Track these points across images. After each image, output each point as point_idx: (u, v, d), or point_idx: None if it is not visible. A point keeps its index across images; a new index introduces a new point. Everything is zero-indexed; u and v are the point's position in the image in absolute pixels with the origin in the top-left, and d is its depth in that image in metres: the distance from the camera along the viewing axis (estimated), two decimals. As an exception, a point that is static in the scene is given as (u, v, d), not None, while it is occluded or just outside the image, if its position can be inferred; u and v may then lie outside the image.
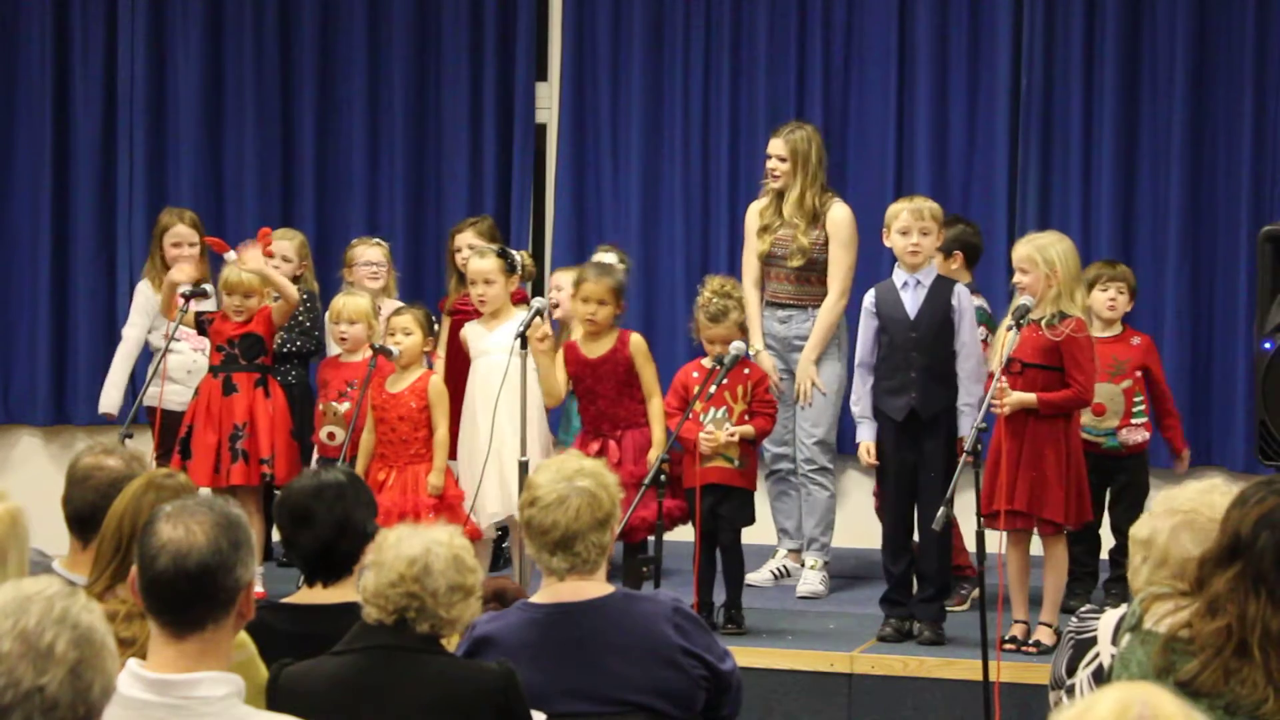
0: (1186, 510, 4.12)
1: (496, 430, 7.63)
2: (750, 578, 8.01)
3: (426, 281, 9.59)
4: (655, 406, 7.75)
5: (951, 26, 9.28)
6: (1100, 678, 4.14)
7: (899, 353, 7.50)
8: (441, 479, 7.83)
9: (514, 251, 8.08)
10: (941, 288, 7.52)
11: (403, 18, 9.85)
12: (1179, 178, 9.00)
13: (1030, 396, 7.16)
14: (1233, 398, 8.94)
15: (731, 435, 7.51)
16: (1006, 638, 7.26)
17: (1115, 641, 4.03)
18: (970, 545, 7.32)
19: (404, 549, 4.28)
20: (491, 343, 7.86)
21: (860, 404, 7.59)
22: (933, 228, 7.50)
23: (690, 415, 7.42)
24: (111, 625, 3.99)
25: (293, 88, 9.99)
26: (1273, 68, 8.92)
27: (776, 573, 8.48)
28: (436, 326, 8.42)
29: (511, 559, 8.27)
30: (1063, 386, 7.21)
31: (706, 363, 7.54)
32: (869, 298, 7.63)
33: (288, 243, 8.75)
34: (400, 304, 8.42)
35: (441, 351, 8.46)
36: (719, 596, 7.66)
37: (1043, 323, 7.20)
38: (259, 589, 7.64)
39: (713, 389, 7.42)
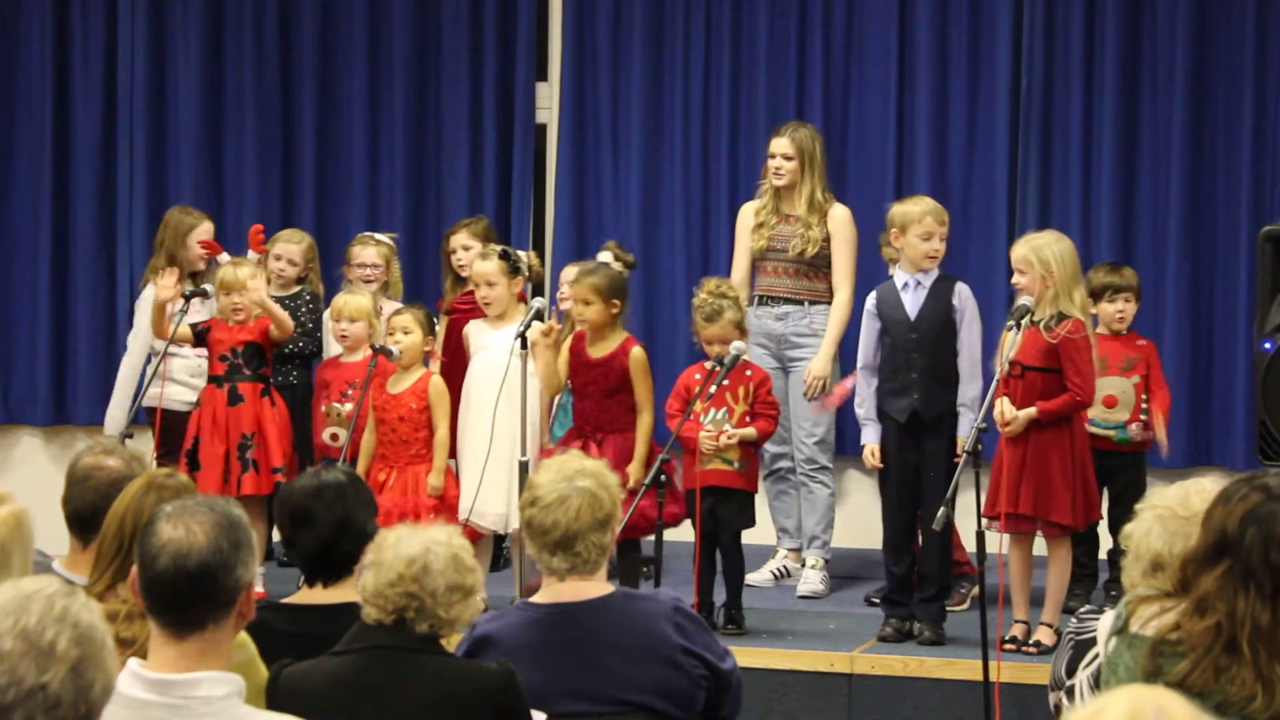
0: (1161, 507, 4.16)
1: (496, 435, 7.63)
2: (750, 578, 8.01)
3: (426, 281, 9.58)
4: (644, 422, 7.69)
5: (951, 26, 9.28)
6: (1100, 679, 4.14)
7: (900, 354, 7.50)
8: (441, 479, 7.84)
9: (519, 252, 8.08)
10: (943, 288, 7.52)
11: (403, 18, 9.85)
12: (1179, 178, 9.00)
13: (1030, 411, 7.16)
14: (1233, 398, 8.93)
15: (730, 437, 7.51)
16: (1007, 638, 7.26)
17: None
18: (969, 545, 7.33)
19: (403, 549, 4.28)
20: (493, 340, 7.87)
21: (865, 406, 7.59)
22: (946, 231, 7.54)
23: (690, 416, 7.42)
24: (112, 625, 4.01)
25: (293, 88, 9.98)
26: (1273, 68, 8.92)
27: (776, 573, 8.48)
28: (436, 326, 8.42)
29: (511, 559, 8.28)
30: (1063, 388, 7.20)
31: (709, 365, 7.53)
32: (871, 300, 7.63)
33: (295, 245, 8.74)
34: (400, 304, 8.42)
35: (439, 351, 8.46)
36: (719, 596, 7.66)
37: (1041, 324, 7.20)
38: (259, 589, 7.64)
39: (713, 389, 7.42)
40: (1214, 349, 9.04)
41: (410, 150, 9.87)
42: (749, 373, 7.66)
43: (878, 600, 7.87)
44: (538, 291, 8.95)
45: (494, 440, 7.66)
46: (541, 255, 9.52)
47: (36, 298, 10.09)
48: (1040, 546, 7.41)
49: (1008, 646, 7.20)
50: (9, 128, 10.12)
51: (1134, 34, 9.07)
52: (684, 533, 7.77)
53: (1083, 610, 4.52)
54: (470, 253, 8.43)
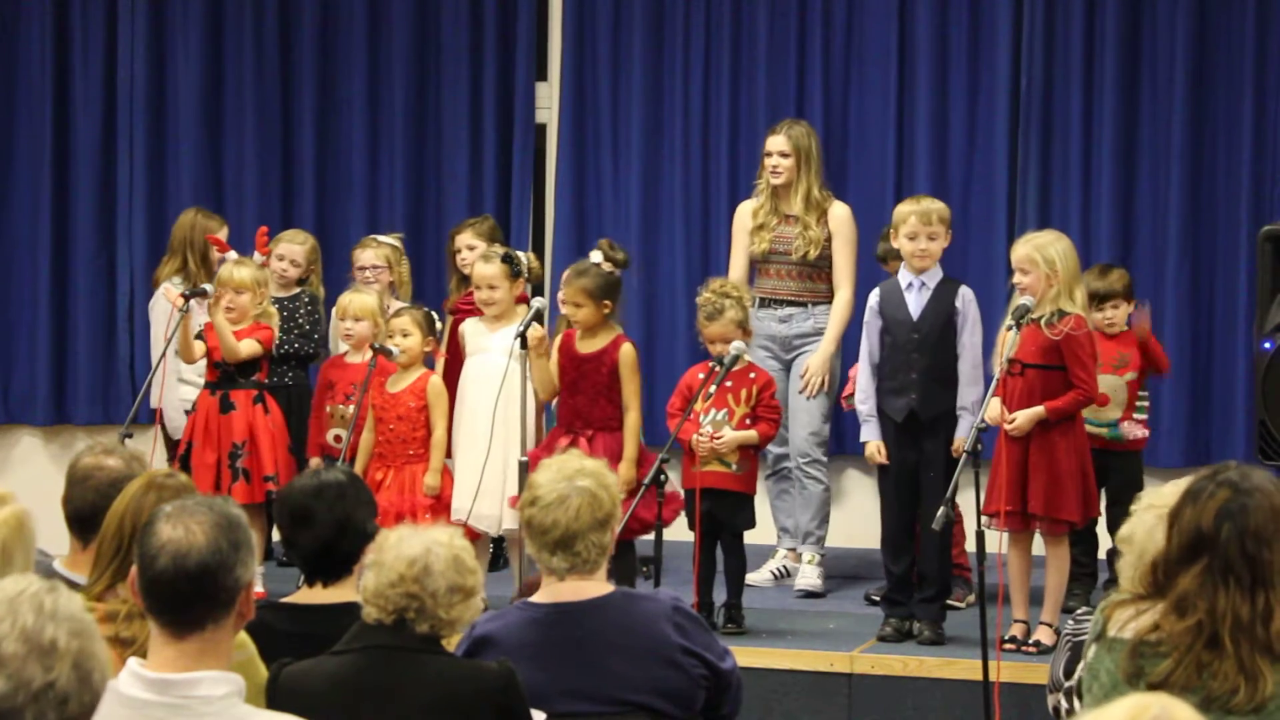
0: (1161, 507, 4.15)
1: (495, 436, 7.63)
2: (750, 578, 8.00)
3: (427, 281, 9.58)
4: (632, 420, 7.68)
5: (951, 26, 9.28)
6: (1082, 686, 4.14)
7: (901, 353, 7.50)
8: (438, 479, 7.83)
9: (520, 254, 8.08)
10: (946, 290, 7.51)
11: (403, 18, 9.85)
12: (1179, 178, 9.00)
13: (1038, 410, 7.15)
14: (1233, 398, 8.94)
15: (722, 439, 7.50)
16: (1006, 637, 7.26)
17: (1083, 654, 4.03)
18: (969, 545, 7.33)
19: (404, 549, 4.28)
20: (491, 342, 7.86)
21: (868, 403, 7.59)
22: (940, 231, 7.50)
23: (690, 416, 7.42)
24: (112, 625, 4.04)
25: (293, 88, 9.98)
26: (1273, 68, 8.92)
27: (776, 573, 8.48)
28: (440, 326, 8.42)
29: (510, 560, 8.28)
30: (1064, 385, 7.20)
31: (712, 364, 7.53)
32: (873, 297, 7.63)
33: (298, 247, 8.73)
34: (402, 304, 8.42)
35: (443, 350, 8.46)
36: (719, 596, 7.66)
37: (1042, 321, 7.20)
38: (259, 589, 7.64)
39: (713, 389, 7.41)
40: (1214, 349, 9.04)
41: (410, 150, 9.87)
42: (753, 375, 7.65)
43: (877, 598, 7.88)
44: (537, 292, 8.95)
45: (491, 441, 7.66)
46: (541, 255, 9.52)
47: (36, 298, 10.09)
48: (1038, 546, 7.41)
49: (1007, 646, 7.20)
50: (9, 128, 10.12)
51: (1134, 34, 9.07)
52: (684, 533, 7.77)
53: (1080, 611, 4.52)
54: (475, 252, 8.41)
